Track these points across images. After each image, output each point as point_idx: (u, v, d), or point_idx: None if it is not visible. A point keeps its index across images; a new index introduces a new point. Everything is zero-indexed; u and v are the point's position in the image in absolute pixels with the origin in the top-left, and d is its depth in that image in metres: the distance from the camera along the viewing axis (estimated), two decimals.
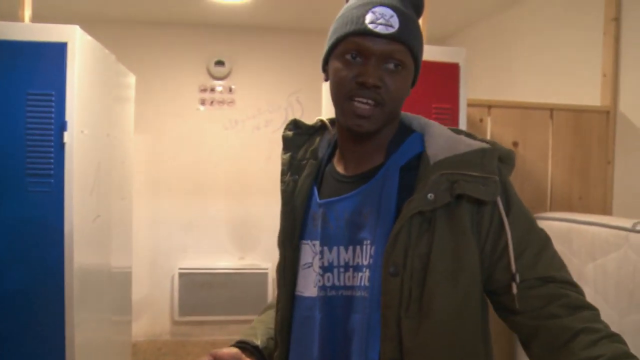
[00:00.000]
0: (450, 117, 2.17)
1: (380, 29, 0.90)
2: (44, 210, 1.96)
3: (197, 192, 4.32)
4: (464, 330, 0.91)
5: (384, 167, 0.96)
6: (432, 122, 1.01)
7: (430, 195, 0.89)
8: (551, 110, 2.62)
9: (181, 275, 4.20)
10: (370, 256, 0.92)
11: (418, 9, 0.99)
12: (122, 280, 2.96)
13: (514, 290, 0.90)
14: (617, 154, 2.63)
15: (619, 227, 2.03)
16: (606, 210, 2.64)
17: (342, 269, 0.96)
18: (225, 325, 4.23)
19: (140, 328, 4.13)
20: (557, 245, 2.27)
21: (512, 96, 3.28)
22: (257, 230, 4.32)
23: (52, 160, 1.95)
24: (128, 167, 3.01)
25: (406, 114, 1.05)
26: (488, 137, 2.54)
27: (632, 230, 1.98)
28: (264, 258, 4.27)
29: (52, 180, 1.96)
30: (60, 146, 1.95)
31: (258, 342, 1.03)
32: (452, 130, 1.00)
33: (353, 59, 0.93)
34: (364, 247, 0.93)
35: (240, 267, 4.28)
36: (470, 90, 2.28)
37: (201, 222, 4.33)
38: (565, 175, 2.63)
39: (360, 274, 0.93)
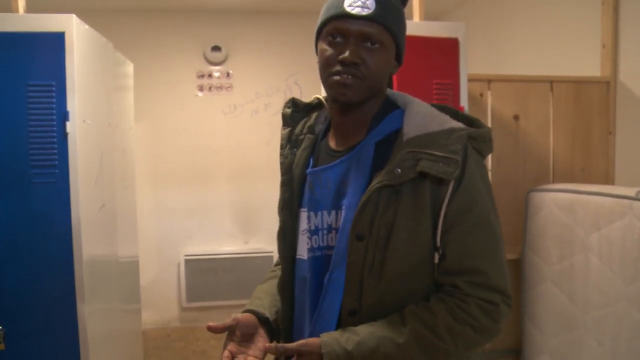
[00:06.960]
0: (451, 93, 2.16)
1: (356, 11, 1.01)
2: (49, 202, 1.97)
3: (199, 178, 4.32)
4: (416, 288, 1.03)
5: (363, 141, 1.07)
6: (415, 99, 1.10)
7: (397, 170, 0.98)
8: (551, 82, 2.61)
9: (187, 261, 4.22)
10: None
11: None
12: (130, 270, 2.98)
13: (435, 259, 1.02)
14: (618, 124, 2.63)
15: (623, 196, 2.04)
16: (608, 180, 2.64)
17: (325, 231, 1.07)
18: (232, 309, 4.24)
19: (149, 316, 4.16)
20: (562, 217, 2.29)
21: (511, 70, 3.27)
22: (260, 214, 4.32)
23: (55, 151, 1.95)
24: (129, 155, 3.01)
25: (394, 92, 1.13)
26: (489, 112, 2.55)
27: (636, 198, 1.99)
28: (268, 241, 4.28)
29: (57, 171, 1.95)
30: (63, 136, 1.95)
31: (268, 314, 1.13)
32: (437, 107, 1.09)
33: (335, 39, 1.03)
34: (343, 211, 1.05)
35: (245, 251, 4.30)
36: (469, 65, 2.27)
37: (204, 207, 4.34)
38: (567, 147, 2.63)
39: (338, 235, 1.05)
